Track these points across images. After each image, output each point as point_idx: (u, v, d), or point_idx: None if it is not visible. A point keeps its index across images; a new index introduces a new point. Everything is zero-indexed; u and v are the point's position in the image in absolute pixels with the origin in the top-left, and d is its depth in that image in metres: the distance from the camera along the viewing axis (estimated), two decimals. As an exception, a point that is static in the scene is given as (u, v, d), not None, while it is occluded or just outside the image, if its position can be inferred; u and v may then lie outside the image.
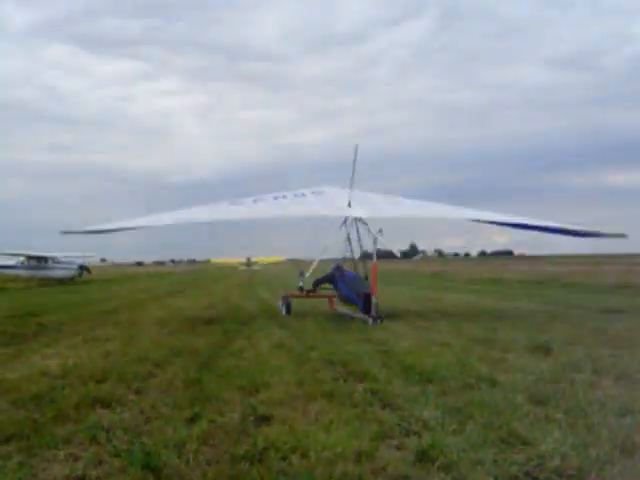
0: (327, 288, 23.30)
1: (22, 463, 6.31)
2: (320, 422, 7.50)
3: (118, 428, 7.36)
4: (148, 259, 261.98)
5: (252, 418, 7.73)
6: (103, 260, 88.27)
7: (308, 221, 25.25)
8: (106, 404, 8.53)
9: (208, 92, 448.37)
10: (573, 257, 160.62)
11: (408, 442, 6.82)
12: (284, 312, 21.71)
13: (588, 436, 6.87)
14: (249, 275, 73.12)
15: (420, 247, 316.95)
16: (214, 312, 22.99)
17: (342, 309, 22.42)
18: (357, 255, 24.53)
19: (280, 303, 22.71)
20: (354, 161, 23.41)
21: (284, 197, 22.70)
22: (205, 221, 22.45)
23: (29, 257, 59.49)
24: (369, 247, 21.19)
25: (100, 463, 6.32)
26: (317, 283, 23.17)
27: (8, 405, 8.54)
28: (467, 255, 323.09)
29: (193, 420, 7.66)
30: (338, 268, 22.91)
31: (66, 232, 21.59)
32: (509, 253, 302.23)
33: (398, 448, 6.72)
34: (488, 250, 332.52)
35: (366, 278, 21.65)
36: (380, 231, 20.09)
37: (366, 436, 6.92)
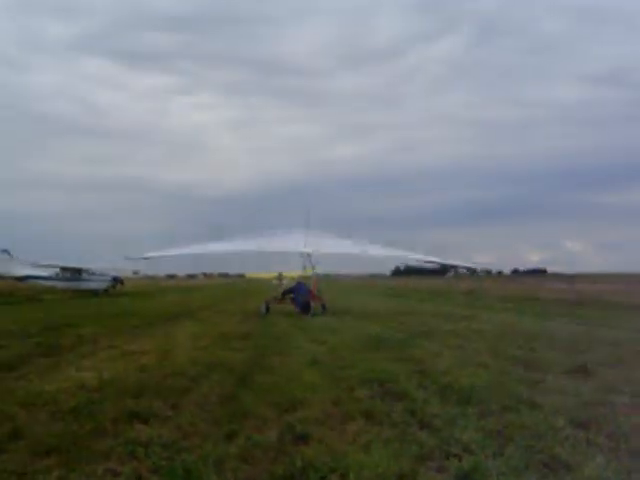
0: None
1: (62, 477, 6.33)
2: (359, 442, 7.45)
3: (156, 444, 7.36)
4: (181, 272, 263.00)
5: (290, 436, 7.69)
6: (135, 272, 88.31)
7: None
8: (143, 419, 8.54)
9: (242, 107, 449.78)
10: (606, 276, 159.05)
11: (449, 465, 6.74)
12: (264, 311, 31.57)
13: (631, 461, 6.75)
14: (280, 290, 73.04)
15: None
16: (247, 327, 22.96)
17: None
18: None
19: (262, 306, 32.43)
20: (308, 214, 35.76)
21: (273, 235, 36.50)
22: (227, 251, 37.76)
23: (64, 269, 60.02)
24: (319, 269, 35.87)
25: (139, 479, 6.31)
26: (284, 293, 34.87)
27: (47, 417, 8.60)
28: (500, 273, 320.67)
29: (231, 437, 7.64)
30: (298, 283, 34.54)
31: (129, 258, 34.23)
32: (542, 271, 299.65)
33: (439, 470, 6.63)
34: (521, 268, 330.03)
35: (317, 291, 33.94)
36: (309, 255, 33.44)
37: (406, 457, 6.85)
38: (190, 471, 6.29)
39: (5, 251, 62.23)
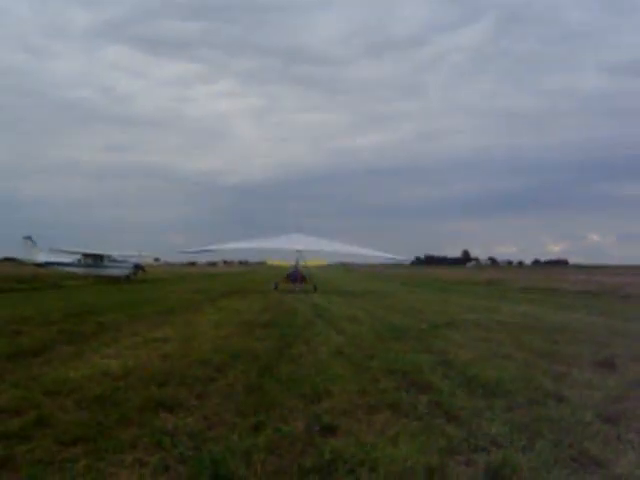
0: None
1: (89, 467, 6.31)
2: (386, 434, 7.39)
3: (183, 434, 7.35)
4: (201, 259, 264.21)
5: (317, 428, 7.65)
6: (157, 259, 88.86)
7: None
8: (169, 408, 8.53)
9: (264, 95, 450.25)
10: (627, 268, 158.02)
11: (477, 458, 6.68)
12: (274, 288, 45.67)
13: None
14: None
15: (473, 254, 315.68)
16: (270, 315, 22.93)
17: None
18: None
19: (272, 285, 47.61)
20: (301, 222, 56.91)
21: (277, 236, 51.12)
22: (242, 249, 56.21)
23: (86, 255, 60.29)
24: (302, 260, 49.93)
25: (167, 469, 6.29)
26: (287, 276, 48.78)
27: (73, 405, 8.61)
28: (520, 263, 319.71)
29: (258, 428, 7.61)
30: (294, 269, 48.96)
31: (183, 252, 57.70)
32: (564, 262, 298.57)
33: (467, 464, 6.57)
34: (542, 259, 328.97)
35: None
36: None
37: (434, 451, 6.79)
38: (217, 462, 6.25)
39: (28, 238, 62.68)
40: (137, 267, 62.28)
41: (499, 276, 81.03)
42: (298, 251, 48.34)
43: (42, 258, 61.51)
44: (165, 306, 26.96)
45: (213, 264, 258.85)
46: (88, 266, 60.31)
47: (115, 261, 61.22)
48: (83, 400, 8.85)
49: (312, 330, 18.03)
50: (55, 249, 60.52)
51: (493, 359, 13.00)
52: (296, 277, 47.87)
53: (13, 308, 25.17)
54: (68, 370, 11.20)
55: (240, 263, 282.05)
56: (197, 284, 58.65)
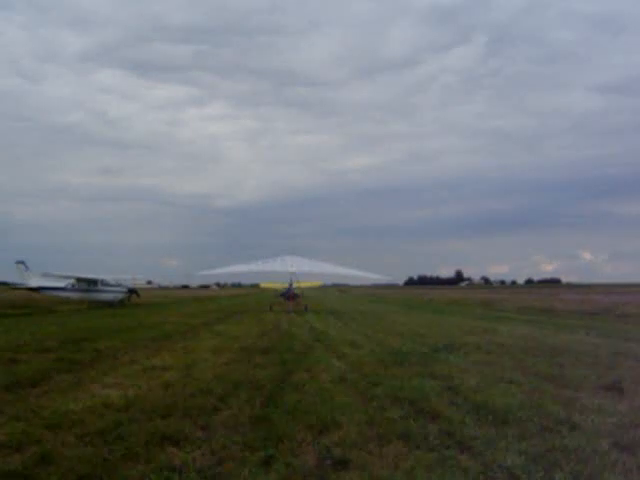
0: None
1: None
2: (401, 468, 7.21)
3: (191, 470, 7.17)
4: (193, 282, 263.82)
5: (329, 462, 7.45)
6: (149, 282, 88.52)
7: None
8: (174, 441, 8.34)
9: (256, 117, 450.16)
10: (620, 286, 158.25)
11: (497, 493, 6.50)
12: (269, 309, 49.61)
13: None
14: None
15: (466, 274, 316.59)
16: (268, 341, 22.70)
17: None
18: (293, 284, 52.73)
19: (267, 307, 51.96)
20: (293, 246, 60.42)
21: (272, 259, 53.50)
22: (242, 272, 55.85)
23: (79, 279, 59.89)
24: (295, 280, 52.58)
25: (178, 508, 6.10)
26: (281, 294, 54.91)
27: (76, 440, 8.40)
28: (514, 283, 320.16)
29: (268, 462, 7.42)
30: (287, 289, 53.08)
31: (189, 275, 77.84)
32: (556, 281, 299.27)
33: (487, 500, 6.39)
34: (535, 278, 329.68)
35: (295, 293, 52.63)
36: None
37: (453, 486, 6.61)
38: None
39: (21, 262, 62.28)
40: (131, 291, 61.79)
41: (493, 296, 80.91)
42: (292, 273, 50.79)
43: (35, 283, 61.08)
44: (161, 332, 26.66)
45: (206, 287, 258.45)
46: (82, 291, 59.81)
47: (109, 285, 60.79)
48: (86, 434, 8.64)
49: (312, 356, 17.83)
50: (48, 274, 60.12)
51: (499, 384, 12.82)
52: (289, 295, 51.63)
53: (7, 334, 24.91)
54: (68, 401, 10.99)
55: (233, 286, 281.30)
56: (192, 308, 58.31)
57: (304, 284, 59.43)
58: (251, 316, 42.38)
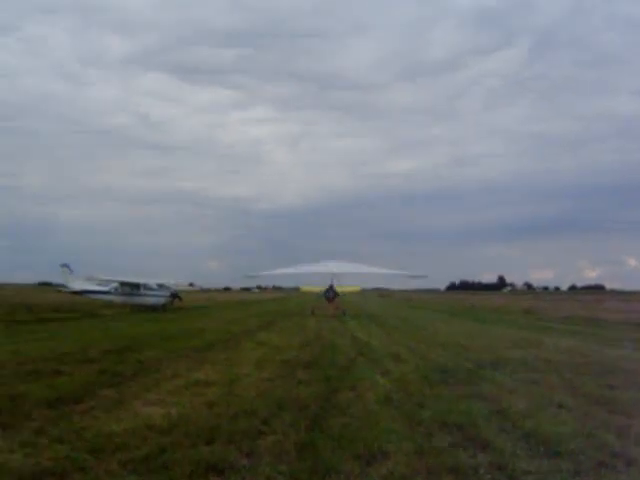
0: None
1: None
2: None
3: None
4: (235, 285, 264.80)
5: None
6: (191, 285, 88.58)
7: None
8: (219, 471, 8.19)
9: (298, 121, 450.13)
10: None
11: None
12: (309, 313, 52.15)
13: None
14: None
15: (509, 279, 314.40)
16: (311, 352, 22.52)
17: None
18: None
19: (309, 310, 54.50)
20: (334, 252, 58.93)
21: (316, 262, 60.84)
22: (291, 273, 64.40)
23: (123, 284, 60.30)
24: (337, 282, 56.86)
25: None
26: (323, 295, 57.20)
27: (119, 468, 8.27)
28: (557, 289, 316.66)
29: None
30: (329, 288, 56.73)
31: (248, 276, 71.60)
32: (600, 287, 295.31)
33: None
34: (578, 284, 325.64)
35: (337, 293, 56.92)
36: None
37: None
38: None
39: (65, 265, 62.97)
40: (173, 295, 62.04)
41: (537, 304, 79.95)
42: (332, 274, 56.89)
43: (79, 286, 61.69)
44: (203, 341, 26.62)
45: (247, 289, 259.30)
46: (125, 294, 60.22)
47: (151, 289, 61.12)
48: (130, 460, 8.52)
49: (356, 371, 17.60)
50: (92, 277, 60.68)
51: (548, 408, 12.50)
52: (330, 295, 57.20)
53: (52, 341, 25.12)
54: (111, 422, 10.90)
55: (274, 288, 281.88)
56: (233, 313, 58.45)
57: (344, 289, 62.45)
58: (292, 323, 42.34)
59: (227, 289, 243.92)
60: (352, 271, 61.48)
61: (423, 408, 12.38)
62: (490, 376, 16.84)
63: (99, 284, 61.37)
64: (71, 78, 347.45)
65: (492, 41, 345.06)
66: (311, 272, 62.90)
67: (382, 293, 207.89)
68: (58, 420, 11.03)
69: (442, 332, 33.88)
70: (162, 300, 60.63)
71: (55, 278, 67.06)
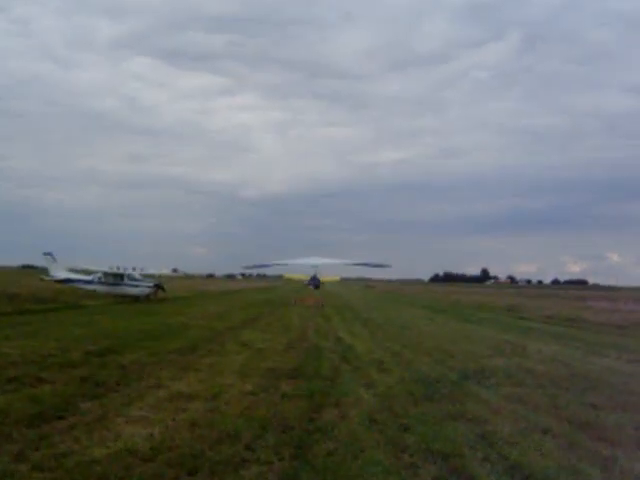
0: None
1: None
2: None
3: None
4: (219, 271, 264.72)
5: None
6: (174, 270, 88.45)
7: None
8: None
9: (286, 108, 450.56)
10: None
11: None
12: (293, 303, 60.91)
13: None
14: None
15: (492, 272, 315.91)
16: (295, 357, 22.47)
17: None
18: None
19: (292, 300, 63.98)
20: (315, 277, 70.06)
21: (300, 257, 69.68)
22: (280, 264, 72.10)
23: (106, 274, 60.08)
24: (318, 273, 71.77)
25: None
26: (308, 283, 73.12)
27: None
28: (540, 282, 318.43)
29: None
30: (313, 277, 72.05)
31: (246, 267, 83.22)
32: (583, 282, 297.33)
33: None
34: (561, 278, 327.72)
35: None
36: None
37: None
38: None
39: (48, 254, 62.66)
40: (157, 286, 61.85)
41: (520, 301, 80.00)
42: (314, 265, 68.53)
43: (62, 275, 61.46)
44: (187, 340, 26.50)
45: (231, 276, 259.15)
46: (108, 284, 60.04)
47: (135, 280, 60.93)
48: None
49: (340, 383, 17.48)
50: (74, 268, 60.51)
51: (533, 434, 12.44)
52: (315, 283, 71.12)
53: (34, 339, 24.82)
54: (93, 444, 10.75)
55: (258, 276, 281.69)
56: (217, 305, 58.43)
57: (326, 278, 75.99)
58: (276, 319, 42.39)
59: (210, 276, 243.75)
60: (329, 262, 69.59)
61: (408, 431, 12.32)
62: (475, 392, 16.82)
63: (83, 273, 61.28)
64: (58, 60, 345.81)
65: (482, 34, 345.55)
66: (299, 264, 71.61)
67: (368, 284, 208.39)
68: (39, 442, 10.86)
69: (426, 333, 33.93)
70: (146, 291, 60.48)
71: (39, 261, 67.10)
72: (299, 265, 73.86)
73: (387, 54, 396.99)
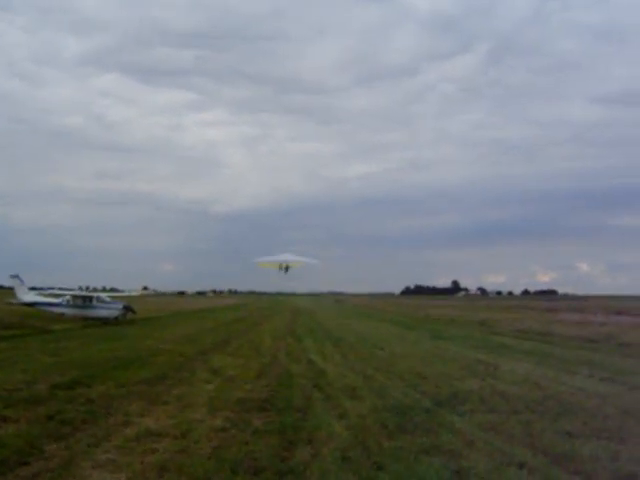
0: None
1: None
2: None
3: None
4: (190, 288, 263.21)
5: None
6: (145, 288, 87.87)
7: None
8: None
9: (255, 124, 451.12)
10: (615, 298, 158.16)
11: None
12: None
13: None
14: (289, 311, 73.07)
15: (463, 284, 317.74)
16: (266, 385, 22.13)
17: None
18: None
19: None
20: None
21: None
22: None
23: (74, 296, 59.46)
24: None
25: None
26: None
27: None
28: (510, 293, 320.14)
29: None
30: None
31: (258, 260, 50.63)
32: (553, 292, 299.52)
33: None
34: (531, 289, 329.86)
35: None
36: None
37: None
38: None
39: (16, 276, 61.83)
40: (126, 308, 61.20)
41: (491, 316, 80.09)
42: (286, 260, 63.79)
43: (30, 298, 60.69)
44: (156, 368, 26.11)
45: (202, 293, 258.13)
46: (77, 307, 59.38)
47: (104, 302, 60.31)
48: None
49: (312, 416, 17.11)
50: (43, 291, 59.92)
51: (509, 469, 12.21)
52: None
53: (0, 370, 24.36)
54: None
55: (230, 292, 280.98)
56: (187, 326, 58.00)
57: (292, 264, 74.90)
58: (247, 340, 42.19)
59: (181, 293, 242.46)
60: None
61: (382, 470, 12.06)
62: (449, 421, 16.56)
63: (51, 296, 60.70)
64: (25, 77, 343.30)
65: (449, 47, 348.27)
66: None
67: (338, 298, 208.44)
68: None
69: (398, 354, 33.67)
70: (115, 313, 59.87)
71: (6, 281, 66.36)
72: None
73: (355, 68, 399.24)
